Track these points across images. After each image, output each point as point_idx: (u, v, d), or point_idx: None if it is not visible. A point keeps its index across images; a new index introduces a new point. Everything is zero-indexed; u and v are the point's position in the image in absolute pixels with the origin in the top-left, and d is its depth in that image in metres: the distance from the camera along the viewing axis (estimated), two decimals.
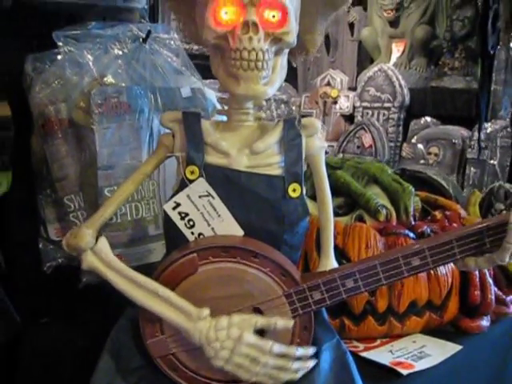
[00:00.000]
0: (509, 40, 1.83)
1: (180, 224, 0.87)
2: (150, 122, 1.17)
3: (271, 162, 0.87)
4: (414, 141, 3.56)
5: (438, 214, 1.28)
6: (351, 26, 4.08)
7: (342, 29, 4.07)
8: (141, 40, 1.22)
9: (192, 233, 0.87)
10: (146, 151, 1.17)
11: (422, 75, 3.70)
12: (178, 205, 0.87)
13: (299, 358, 0.85)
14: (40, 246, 1.32)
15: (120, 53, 1.19)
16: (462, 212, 1.31)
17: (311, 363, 0.86)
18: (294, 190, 0.87)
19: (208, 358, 0.82)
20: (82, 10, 1.35)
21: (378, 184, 1.25)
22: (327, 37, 3.99)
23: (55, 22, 1.36)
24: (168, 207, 0.87)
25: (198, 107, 1.25)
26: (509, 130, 2.49)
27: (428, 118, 3.55)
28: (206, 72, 1.05)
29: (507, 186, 1.58)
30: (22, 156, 1.30)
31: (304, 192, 0.89)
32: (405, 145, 3.59)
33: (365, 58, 4.03)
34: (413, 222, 1.24)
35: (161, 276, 0.85)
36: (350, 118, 3.77)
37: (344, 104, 3.78)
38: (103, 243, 0.85)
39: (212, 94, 1.33)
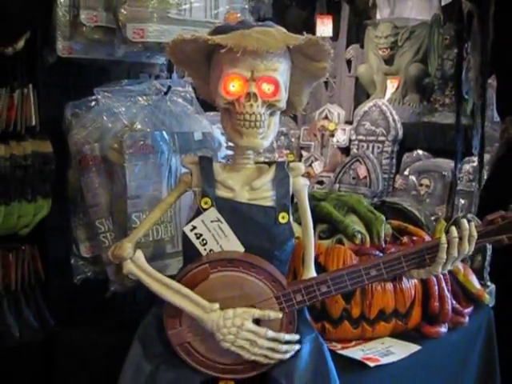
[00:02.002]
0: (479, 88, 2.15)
1: (196, 242, 1.19)
2: (169, 161, 1.50)
3: (266, 195, 1.20)
4: (406, 173, 3.86)
5: (405, 239, 1.59)
6: (349, 62, 4.41)
7: (339, 65, 4.40)
8: (163, 93, 1.55)
9: (205, 249, 1.19)
10: (165, 184, 1.49)
11: (415, 111, 4.01)
12: (194, 227, 1.19)
13: (287, 342, 1.15)
14: (72, 261, 1.63)
15: (146, 104, 1.52)
16: (427, 238, 1.62)
17: (297, 346, 1.17)
18: (283, 218, 1.19)
19: (218, 341, 1.13)
20: (112, 65, 1.68)
21: (355, 213, 1.57)
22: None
23: (89, 75, 1.70)
24: (187, 229, 1.19)
25: (208, 148, 1.58)
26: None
27: (420, 152, 3.84)
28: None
29: (469, 216, 1.89)
30: (61, 186, 1.62)
31: (291, 219, 1.21)
32: (398, 176, 3.89)
33: (361, 93, 4.35)
34: (383, 245, 1.55)
35: (181, 280, 1.16)
36: (346, 151, 4.08)
37: (341, 137, 4.10)
38: (140, 254, 1.17)
39: (218, 132, 1.65)
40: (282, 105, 1.16)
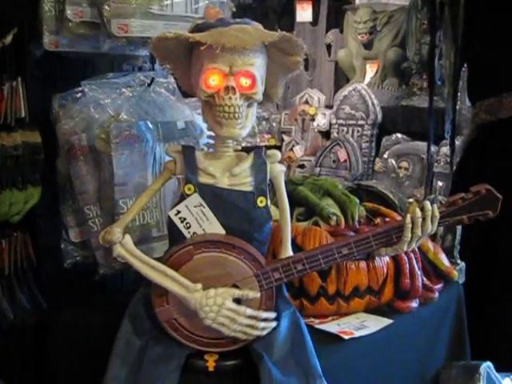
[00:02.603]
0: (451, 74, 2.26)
1: (180, 226, 1.29)
2: (153, 149, 1.59)
3: (245, 181, 1.30)
4: (385, 156, 3.99)
5: (378, 220, 1.70)
6: (328, 47, 4.52)
7: (319, 50, 4.51)
8: (146, 85, 1.64)
9: (189, 232, 1.29)
10: (150, 172, 1.59)
11: (394, 95, 4.14)
12: (178, 212, 1.29)
13: (265, 320, 1.27)
14: (62, 246, 1.73)
15: (130, 95, 1.61)
16: (399, 219, 1.73)
17: (273, 324, 1.28)
18: (261, 202, 1.30)
19: (201, 318, 1.24)
20: (96, 58, 1.77)
21: (330, 197, 1.68)
22: (306, 57, 4.43)
23: (75, 67, 1.78)
24: (172, 214, 1.29)
25: (190, 136, 1.68)
26: None
27: (399, 135, 3.98)
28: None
29: (440, 198, 2.01)
30: (50, 174, 1.71)
31: (269, 203, 1.31)
32: (377, 159, 4.02)
33: (341, 78, 4.47)
34: (357, 227, 1.66)
35: (167, 262, 1.26)
36: (326, 135, 4.20)
37: (321, 121, 4.22)
38: (128, 238, 1.27)
39: (199, 119, 1.74)
40: (259, 97, 1.26)
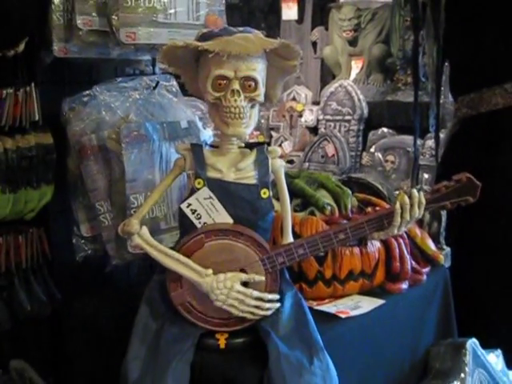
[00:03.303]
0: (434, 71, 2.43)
1: (191, 217, 1.45)
2: (160, 147, 1.75)
3: (249, 175, 1.45)
4: (372, 150, 4.17)
5: (369, 209, 1.87)
6: (314, 44, 4.68)
7: (305, 47, 4.67)
8: (152, 88, 1.79)
9: (199, 222, 1.45)
10: (158, 169, 1.74)
11: (379, 90, 4.32)
12: (190, 204, 1.44)
13: (270, 301, 1.42)
14: (74, 241, 1.87)
15: (138, 98, 1.76)
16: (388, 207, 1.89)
17: (277, 304, 1.43)
18: (264, 193, 1.46)
19: (212, 300, 1.39)
20: (101, 62, 1.92)
21: (324, 188, 1.85)
22: None
23: (81, 72, 1.93)
24: (183, 206, 1.45)
25: (192, 135, 1.83)
26: None
27: (385, 129, 4.16)
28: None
29: (426, 187, 2.18)
30: (61, 173, 1.85)
31: (271, 194, 1.47)
32: (364, 153, 4.20)
33: (327, 74, 4.64)
34: (350, 215, 1.83)
35: (181, 249, 1.42)
36: (314, 130, 4.38)
37: (309, 117, 4.39)
38: (145, 229, 1.42)
39: (199, 123, 1.90)
40: (261, 98, 1.42)
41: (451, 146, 2.48)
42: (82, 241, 1.87)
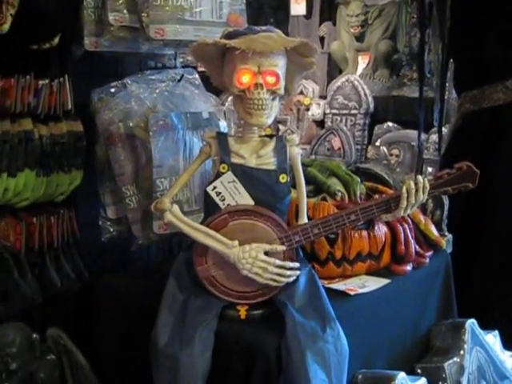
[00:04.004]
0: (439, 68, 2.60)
1: (216, 199, 1.62)
2: (184, 136, 1.92)
3: (269, 161, 1.63)
4: (377, 144, 4.32)
5: (376, 196, 2.04)
6: (322, 39, 4.84)
7: (313, 42, 4.79)
8: (177, 80, 1.96)
9: (223, 203, 1.62)
10: (181, 156, 1.92)
11: (385, 85, 4.47)
12: (215, 187, 1.62)
13: (291, 269, 1.59)
14: (100, 222, 2.04)
15: (164, 89, 1.93)
16: None
17: (298, 272, 1.61)
18: (283, 178, 1.63)
19: (238, 269, 1.56)
20: (129, 56, 2.09)
21: (335, 176, 2.02)
22: None
23: (108, 64, 2.10)
24: (209, 189, 1.62)
25: (213, 125, 2.00)
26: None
27: (390, 124, 4.31)
28: None
29: (430, 177, 2.35)
30: (89, 160, 2.03)
31: (289, 179, 1.64)
32: (370, 147, 4.35)
33: (334, 69, 4.80)
34: (359, 202, 2.00)
35: (208, 227, 1.59)
36: (320, 124, 4.53)
37: (315, 111, 4.55)
38: (176, 207, 1.60)
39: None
40: (282, 91, 1.59)
41: (454, 140, 2.65)
42: (108, 223, 2.05)
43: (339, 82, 4.47)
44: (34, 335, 1.77)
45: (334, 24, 4.75)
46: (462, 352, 2.04)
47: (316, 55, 1.62)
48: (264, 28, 1.60)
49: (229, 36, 1.58)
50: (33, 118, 1.90)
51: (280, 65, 1.58)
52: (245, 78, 1.56)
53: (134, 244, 2.00)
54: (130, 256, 2.16)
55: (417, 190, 1.61)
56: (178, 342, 1.55)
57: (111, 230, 2.05)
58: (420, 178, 1.61)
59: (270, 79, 1.56)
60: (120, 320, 1.89)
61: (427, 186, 1.61)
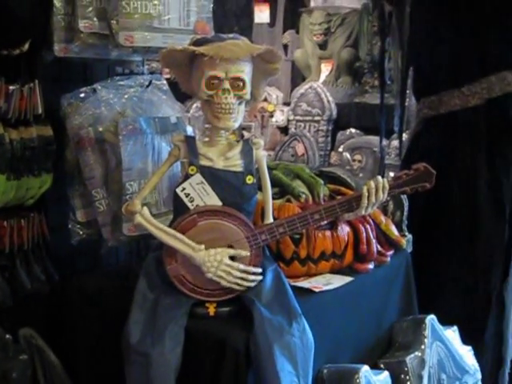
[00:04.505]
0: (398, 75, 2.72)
1: (185, 200, 1.69)
2: (152, 140, 1.98)
3: (236, 163, 1.71)
4: (340, 149, 4.44)
5: (338, 198, 2.13)
6: (285, 47, 4.94)
7: (277, 49, 4.91)
8: (145, 86, 2.03)
9: (192, 204, 1.69)
10: (150, 159, 1.98)
11: (347, 92, 4.60)
12: (184, 189, 1.69)
13: (254, 274, 1.67)
14: (69, 226, 2.08)
15: (133, 95, 1.99)
16: None
17: (260, 277, 1.68)
18: (249, 179, 1.71)
19: (203, 272, 1.63)
20: (95, 62, 2.14)
21: (299, 178, 2.11)
22: None
23: (77, 70, 2.16)
24: (178, 190, 1.69)
25: (180, 130, 2.07)
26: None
27: (352, 130, 4.43)
28: None
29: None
30: (59, 164, 2.07)
31: (255, 181, 1.72)
32: (333, 153, 4.47)
33: (297, 76, 4.90)
34: (322, 203, 2.08)
35: (176, 228, 1.66)
36: (284, 130, 4.63)
37: (279, 117, 4.65)
38: (146, 209, 1.67)
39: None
40: (248, 96, 1.68)
41: (414, 144, 2.76)
42: (78, 226, 2.08)
43: (303, 89, 4.58)
44: (7, 336, 1.80)
45: (297, 32, 4.86)
46: (422, 346, 2.13)
47: (280, 62, 1.71)
48: (231, 36, 1.68)
49: (197, 43, 1.66)
50: (3, 122, 1.93)
51: (246, 71, 1.65)
52: (213, 84, 1.63)
53: (103, 246, 2.04)
54: (100, 258, 2.21)
55: (377, 190, 1.70)
56: (149, 339, 1.61)
57: (81, 232, 2.09)
58: (380, 178, 1.71)
59: (237, 84, 1.64)
60: (91, 320, 1.93)
61: (387, 186, 1.71)
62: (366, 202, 1.70)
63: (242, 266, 1.66)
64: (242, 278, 1.66)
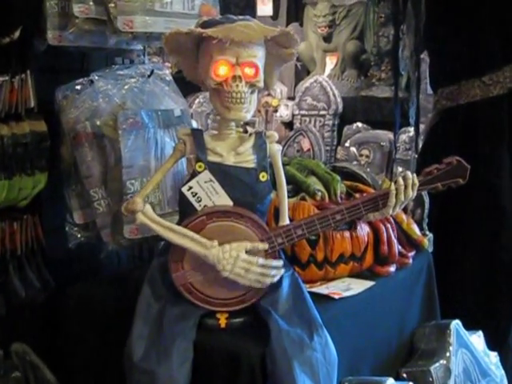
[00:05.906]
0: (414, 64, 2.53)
1: (192, 199, 1.50)
2: (155, 134, 1.79)
3: (248, 159, 1.51)
4: (347, 144, 4.24)
5: (357, 195, 1.94)
6: None
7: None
8: (146, 76, 1.83)
9: (200, 205, 1.50)
10: (153, 155, 1.79)
11: (353, 85, 4.40)
12: (190, 187, 1.49)
13: (275, 267, 1.47)
14: (66, 228, 1.90)
15: (134, 85, 1.80)
16: None
17: (282, 271, 1.49)
18: (263, 177, 1.52)
19: (218, 271, 1.43)
20: (96, 51, 1.95)
21: (314, 175, 1.92)
22: None
23: (73, 60, 1.96)
24: (184, 189, 1.50)
25: (185, 123, 1.88)
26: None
27: (359, 124, 4.24)
28: None
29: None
30: (54, 161, 1.88)
31: (269, 178, 1.53)
32: (339, 148, 4.28)
33: (302, 70, 4.71)
34: (340, 201, 1.90)
35: None
36: (289, 125, 4.44)
37: (284, 112, 4.45)
38: (148, 207, 1.47)
39: None
40: (261, 84, 1.48)
41: (431, 137, 2.58)
42: (75, 228, 1.90)
43: (307, 82, 4.39)
44: None
45: (301, 25, 4.66)
46: (447, 354, 1.95)
47: (296, 46, 1.52)
48: (241, 17, 1.49)
49: (204, 25, 1.47)
50: None
51: (259, 56, 1.46)
52: (222, 70, 1.44)
53: (103, 250, 1.86)
54: (99, 263, 2.02)
55: (406, 187, 1.51)
56: (154, 355, 1.42)
57: (78, 235, 1.90)
58: (409, 173, 1.51)
59: (249, 71, 1.45)
60: (91, 332, 1.75)
61: (416, 182, 1.51)
62: (394, 201, 1.50)
63: (261, 260, 1.46)
64: (262, 274, 1.46)
